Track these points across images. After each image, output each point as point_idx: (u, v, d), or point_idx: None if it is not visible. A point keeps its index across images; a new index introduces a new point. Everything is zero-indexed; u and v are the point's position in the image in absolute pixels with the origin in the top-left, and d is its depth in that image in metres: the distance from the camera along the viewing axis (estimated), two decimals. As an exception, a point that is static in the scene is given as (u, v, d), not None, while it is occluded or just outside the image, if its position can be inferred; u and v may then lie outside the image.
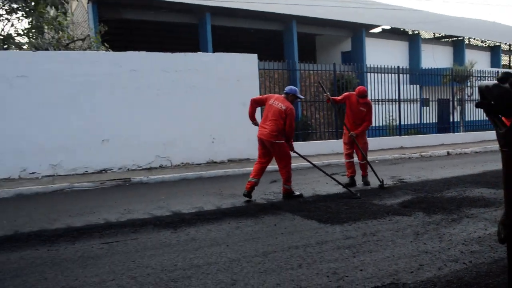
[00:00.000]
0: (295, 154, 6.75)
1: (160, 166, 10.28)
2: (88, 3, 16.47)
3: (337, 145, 12.35)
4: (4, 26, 14.66)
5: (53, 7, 12.17)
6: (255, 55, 11.45)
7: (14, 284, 3.48)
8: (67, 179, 8.96)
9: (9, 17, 12.38)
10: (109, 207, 6.43)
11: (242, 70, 11.07)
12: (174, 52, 10.52)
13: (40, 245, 4.54)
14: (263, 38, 24.00)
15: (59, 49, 12.33)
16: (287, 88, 6.55)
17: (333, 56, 24.37)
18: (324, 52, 25.95)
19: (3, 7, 12.12)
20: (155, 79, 10.21)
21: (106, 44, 13.42)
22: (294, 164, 9.72)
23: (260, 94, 10.68)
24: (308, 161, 7.10)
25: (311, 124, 15.91)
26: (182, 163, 10.52)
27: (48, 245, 4.53)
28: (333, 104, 7.88)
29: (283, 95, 6.50)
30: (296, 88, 6.61)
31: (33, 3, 11.92)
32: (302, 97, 6.95)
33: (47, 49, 11.68)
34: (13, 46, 11.73)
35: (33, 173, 9.29)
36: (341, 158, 9.45)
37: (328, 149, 12.54)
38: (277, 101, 6.34)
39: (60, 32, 13.11)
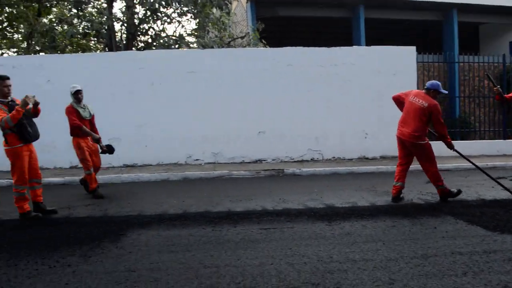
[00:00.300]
0: (452, 153, 6.24)
1: (311, 159, 10.49)
2: (247, 2, 17.39)
3: (504, 146, 11.18)
4: (176, 28, 16.37)
5: (217, 8, 13.20)
6: (413, 48, 10.88)
7: (185, 257, 3.89)
8: (226, 166, 9.70)
9: (180, 19, 13.79)
10: (265, 195, 6.77)
11: (398, 64, 10.64)
12: (329, 46, 10.58)
13: (206, 225, 5.00)
14: (418, 29, 22.64)
15: (222, 47, 13.33)
16: (429, 83, 6.09)
17: (500, 47, 21.82)
18: (488, 43, 23.40)
19: (176, 11, 13.53)
20: (310, 74, 10.40)
21: (263, 41, 14.09)
22: (452, 164, 9.13)
23: (418, 89, 10.13)
24: (470, 161, 6.49)
25: (471, 121, 14.55)
26: (334, 157, 10.58)
27: (212, 225, 4.97)
28: (503, 102, 7.02)
29: (423, 90, 6.10)
30: (438, 83, 6.08)
31: (199, 6, 13.07)
32: (445, 91, 6.40)
33: (212, 47, 12.73)
34: (183, 45, 13.02)
35: (197, 159, 10.27)
36: (510, 160, 8.53)
37: (493, 150, 11.35)
38: (417, 98, 5.95)
39: (222, 31, 14.16)
